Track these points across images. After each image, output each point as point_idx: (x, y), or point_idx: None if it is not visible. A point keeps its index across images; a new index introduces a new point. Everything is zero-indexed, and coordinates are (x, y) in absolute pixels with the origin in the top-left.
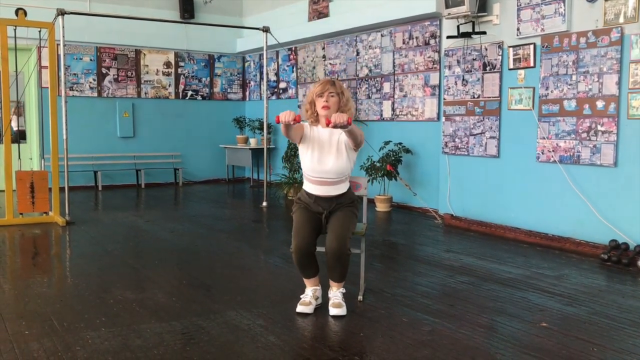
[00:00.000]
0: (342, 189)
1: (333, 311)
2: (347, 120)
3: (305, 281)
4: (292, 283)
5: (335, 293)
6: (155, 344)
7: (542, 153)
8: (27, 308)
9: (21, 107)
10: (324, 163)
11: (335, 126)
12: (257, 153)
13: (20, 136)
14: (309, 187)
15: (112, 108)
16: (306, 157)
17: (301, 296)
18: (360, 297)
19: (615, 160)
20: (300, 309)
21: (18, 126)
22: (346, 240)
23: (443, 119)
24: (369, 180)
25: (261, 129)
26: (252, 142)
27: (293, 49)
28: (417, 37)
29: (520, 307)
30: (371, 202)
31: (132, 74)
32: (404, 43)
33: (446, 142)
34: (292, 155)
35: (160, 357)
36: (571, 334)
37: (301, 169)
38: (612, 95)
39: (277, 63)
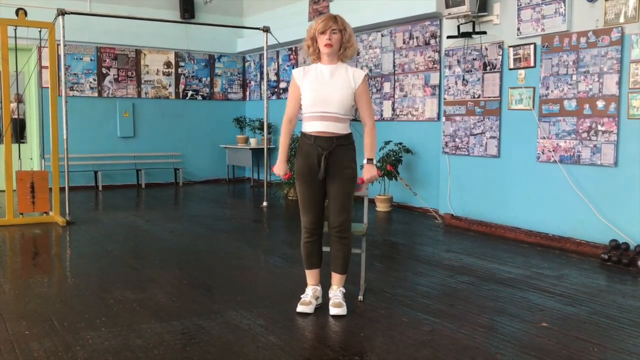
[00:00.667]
0: (344, 128)
1: (333, 311)
2: (377, 174)
3: (307, 276)
4: (293, 283)
5: (336, 292)
6: (156, 344)
7: (543, 153)
8: (27, 308)
9: (22, 95)
10: (326, 94)
11: (369, 182)
12: (257, 153)
13: (21, 126)
14: (308, 126)
15: (112, 108)
16: (307, 93)
17: (301, 296)
18: (360, 297)
19: (616, 160)
20: (300, 308)
21: (18, 114)
22: (347, 216)
23: (443, 118)
24: None
25: (261, 129)
26: (253, 142)
27: (293, 48)
28: (417, 37)
29: (520, 307)
30: (371, 202)
31: (132, 74)
32: (404, 43)
33: (446, 142)
34: (292, 156)
35: (161, 357)
36: (571, 334)
37: None
38: (612, 95)
39: (278, 63)
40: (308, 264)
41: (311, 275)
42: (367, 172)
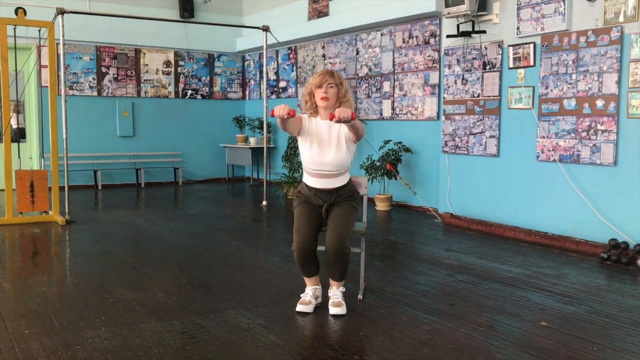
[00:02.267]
0: (342, 181)
1: (333, 310)
2: (351, 115)
3: (306, 280)
4: (292, 282)
5: (335, 292)
6: (155, 343)
7: (542, 152)
8: (27, 307)
9: (20, 105)
10: (324, 155)
11: (339, 121)
12: (257, 152)
13: (19, 135)
14: (308, 180)
15: (111, 107)
16: (305, 149)
17: (301, 295)
18: (360, 296)
19: (615, 159)
20: (300, 308)
21: (18, 124)
22: (346, 238)
23: (443, 118)
24: (369, 179)
25: (261, 128)
26: (252, 141)
27: (293, 48)
28: (417, 36)
29: (520, 306)
30: (371, 201)
31: (131, 73)
32: (403, 42)
33: (446, 141)
34: (292, 155)
35: (160, 356)
36: (571, 333)
37: (301, 164)
38: (612, 94)
39: (277, 62)
40: (305, 274)
41: (310, 280)
42: (341, 110)
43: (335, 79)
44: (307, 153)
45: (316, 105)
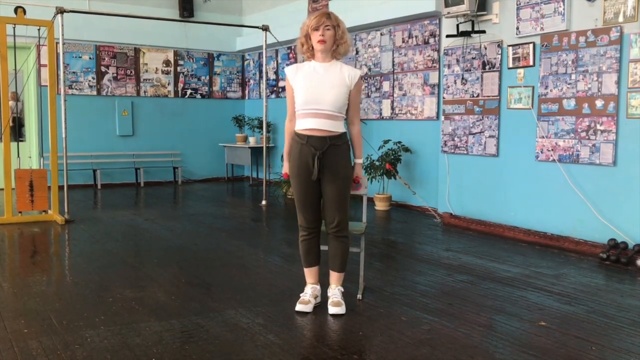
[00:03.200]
0: (337, 127)
1: (332, 310)
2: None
3: (306, 274)
4: (292, 282)
5: (335, 291)
6: (155, 343)
7: (541, 152)
8: (26, 306)
9: (18, 94)
10: (320, 93)
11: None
12: (256, 152)
13: (18, 124)
14: (301, 124)
15: (111, 106)
16: (300, 91)
17: (300, 295)
18: (359, 296)
19: (615, 159)
20: (299, 307)
21: (17, 112)
22: (344, 216)
23: (442, 117)
24: (368, 179)
25: (260, 127)
26: (252, 141)
27: (292, 47)
28: (416, 36)
29: (519, 306)
30: (370, 200)
31: (131, 72)
32: (403, 42)
33: (445, 141)
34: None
35: (160, 355)
36: (570, 333)
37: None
38: (611, 94)
39: (277, 62)
40: (306, 261)
41: (310, 274)
42: (361, 171)
43: (332, 20)
44: (301, 93)
45: (312, 48)
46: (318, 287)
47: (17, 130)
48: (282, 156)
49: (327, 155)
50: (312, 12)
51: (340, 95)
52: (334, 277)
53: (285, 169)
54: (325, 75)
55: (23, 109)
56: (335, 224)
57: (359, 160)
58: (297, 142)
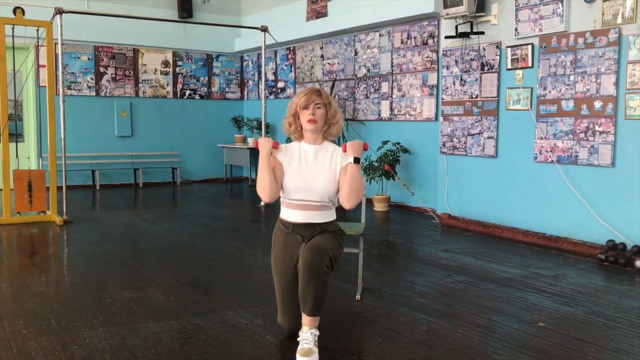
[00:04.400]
0: (328, 216)
1: None
2: (363, 146)
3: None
4: None
5: (306, 335)
6: (153, 343)
7: (540, 153)
8: (24, 307)
9: (18, 95)
10: (309, 180)
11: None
12: (255, 152)
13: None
14: (287, 214)
15: (110, 107)
16: (289, 176)
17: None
18: (358, 297)
19: (613, 160)
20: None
21: (16, 112)
22: (324, 256)
23: (441, 118)
24: (367, 180)
25: (259, 128)
26: (250, 142)
27: (291, 48)
28: (415, 37)
29: (517, 306)
30: (369, 201)
31: (130, 73)
32: (402, 43)
33: (444, 142)
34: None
35: (158, 356)
36: (568, 334)
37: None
38: (609, 95)
39: (276, 62)
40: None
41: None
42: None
43: (323, 98)
44: (291, 181)
45: (301, 128)
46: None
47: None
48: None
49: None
50: (312, 14)
51: (330, 184)
52: (307, 319)
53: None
54: (315, 161)
55: (18, 110)
56: (309, 263)
57: (350, 159)
58: (281, 230)
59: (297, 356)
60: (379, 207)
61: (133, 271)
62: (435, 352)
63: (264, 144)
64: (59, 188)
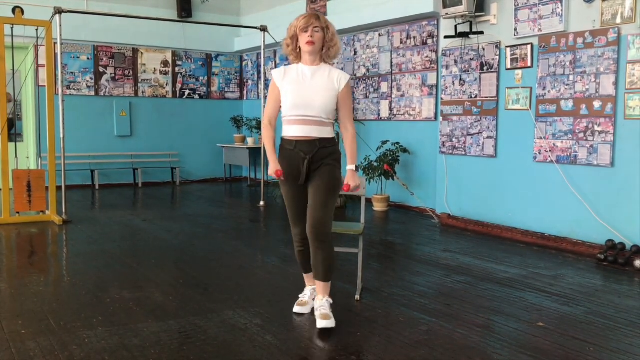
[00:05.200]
0: (326, 132)
1: (321, 323)
2: (360, 183)
3: (305, 278)
4: (290, 282)
5: (323, 302)
6: (152, 344)
7: (539, 153)
8: (23, 307)
9: (10, 94)
10: (308, 97)
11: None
12: (254, 152)
13: (10, 125)
14: (288, 130)
15: (109, 107)
16: (287, 95)
17: (299, 295)
18: (357, 297)
19: (612, 160)
20: (297, 309)
21: (15, 111)
22: (326, 222)
23: (440, 118)
24: (366, 180)
25: (258, 128)
26: (250, 142)
27: None
28: (414, 37)
29: (517, 306)
30: (369, 201)
31: (129, 72)
32: (401, 43)
33: (443, 142)
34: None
35: (157, 356)
36: (568, 334)
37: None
38: (609, 95)
39: (275, 62)
40: (304, 269)
41: (309, 278)
42: (352, 179)
43: (322, 22)
44: (288, 98)
45: (300, 50)
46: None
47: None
48: (266, 158)
49: (315, 158)
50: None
51: (328, 100)
52: (319, 286)
53: (272, 170)
54: (313, 80)
55: (16, 110)
56: (314, 222)
57: (352, 167)
58: (284, 148)
59: (318, 320)
60: (378, 207)
61: (132, 271)
62: (435, 352)
63: (272, 172)
64: (58, 188)
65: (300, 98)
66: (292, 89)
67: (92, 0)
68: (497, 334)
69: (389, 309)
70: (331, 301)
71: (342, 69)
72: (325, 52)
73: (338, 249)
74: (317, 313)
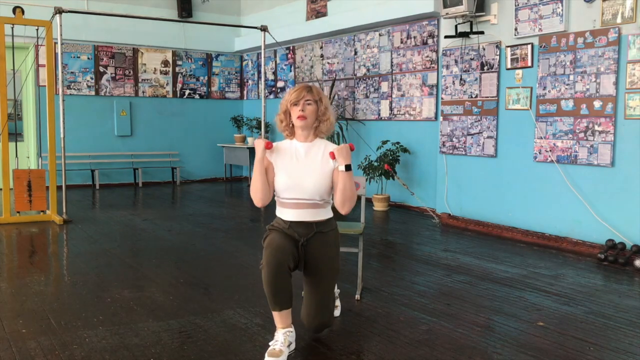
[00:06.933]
0: (323, 214)
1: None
2: (349, 147)
3: (275, 317)
4: None
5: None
6: (153, 343)
7: (540, 153)
8: (24, 307)
9: (17, 95)
10: (301, 179)
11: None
12: (254, 152)
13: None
14: (282, 212)
15: (109, 107)
16: (280, 175)
17: (270, 343)
18: (357, 296)
19: (613, 160)
20: None
21: (15, 111)
22: (329, 315)
23: (441, 118)
24: (366, 180)
25: (259, 128)
26: (250, 141)
27: (291, 48)
28: (415, 37)
29: (517, 306)
30: (369, 201)
31: (129, 72)
32: (402, 42)
33: (444, 142)
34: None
35: (158, 355)
36: (568, 333)
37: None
38: (609, 95)
39: (275, 62)
40: (274, 302)
41: (280, 318)
42: (340, 155)
43: (314, 94)
44: (281, 179)
45: (293, 125)
46: (292, 331)
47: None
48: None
49: (312, 243)
50: (312, 13)
51: (322, 181)
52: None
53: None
54: (306, 159)
55: (16, 111)
56: (317, 324)
57: (342, 167)
58: (279, 224)
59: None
60: (378, 206)
61: (132, 271)
62: (435, 352)
63: (257, 146)
64: (59, 187)
65: (293, 181)
66: (284, 169)
67: (92, 0)
68: (497, 334)
69: (389, 308)
70: (339, 290)
71: (342, 69)
72: (317, 127)
73: None
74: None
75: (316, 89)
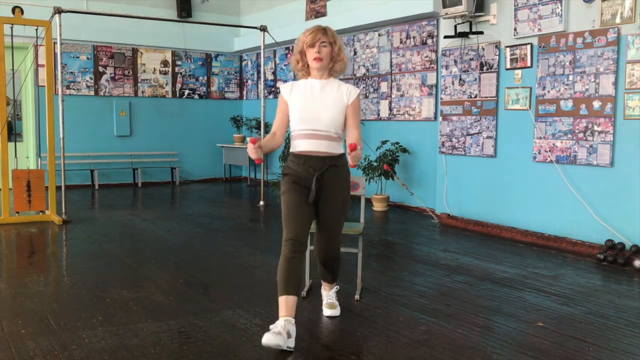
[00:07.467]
0: (335, 148)
1: (328, 312)
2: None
3: (281, 304)
4: None
5: (329, 293)
6: (152, 343)
7: (539, 153)
8: (23, 307)
9: (8, 97)
10: (317, 112)
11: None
12: None
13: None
14: (298, 145)
15: (109, 107)
16: (295, 109)
17: (270, 327)
18: (357, 297)
19: (612, 160)
20: (266, 339)
21: (15, 111)
22: (337, 245)
23: (440, 118)
24: (366, 180)
25: (258, 128)
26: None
27: (290, 48)
28: (414, 37)
29: (516, 306)
30: (368, 201)
31: (129, 72)
32: (401, 43)
33: (443, 142)
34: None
35: (157, 356)
36: (567, 334)
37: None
38: (608, 95)
39: (275, 62)
40: (285, 287)
41: (286, 304)
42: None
43: (329, 36)
44: (297, 112)
45: (308, 65)
46: (293, 322)
47: (8, 134)
48: (266, 158)
49: (326, 176)
50: (311, 13)
51: (337, 114)
52: (327, 284)
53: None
54: (322, 93)
55: (15, 112)
56: (327, 252)
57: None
58: (293, 162)
59: (324, 308)
60: (378, 206)
61: (132, 271)
62: (434, 352)
63: (249, 150)
64: (58, 188)
65: (309, 112)
66: (300, 102)
67: (92, 0)
68: (497, 334)
69: (388, 308)
70: (337, 288)
71: None
72: (332, 67)
73: None
74: (324, 302)
75: (330, 30)
